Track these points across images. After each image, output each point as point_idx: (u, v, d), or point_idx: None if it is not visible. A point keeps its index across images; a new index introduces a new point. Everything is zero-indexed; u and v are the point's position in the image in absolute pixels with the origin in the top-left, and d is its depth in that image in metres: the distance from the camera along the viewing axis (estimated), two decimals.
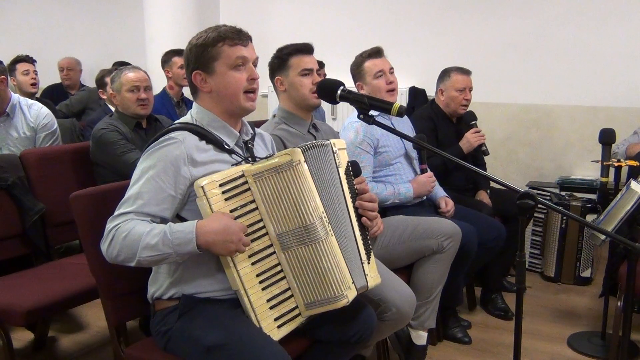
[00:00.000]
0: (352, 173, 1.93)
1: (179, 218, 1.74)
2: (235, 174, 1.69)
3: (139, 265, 1.65)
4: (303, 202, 1.68)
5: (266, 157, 1.77)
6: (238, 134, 1.85)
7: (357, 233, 1.89)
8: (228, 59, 1.75)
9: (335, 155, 1.85)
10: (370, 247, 1.95)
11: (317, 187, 1.74)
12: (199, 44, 1.77)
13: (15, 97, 3.26)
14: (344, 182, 1.87)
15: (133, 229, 1.63)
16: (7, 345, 2.32)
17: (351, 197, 1.89)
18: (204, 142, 1.75)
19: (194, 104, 1.86)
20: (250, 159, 1.82)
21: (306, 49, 2.39)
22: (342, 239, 1.79)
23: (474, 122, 3.36)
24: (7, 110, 3.20)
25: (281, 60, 2.39)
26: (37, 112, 3.31)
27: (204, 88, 1.80)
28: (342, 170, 1.88)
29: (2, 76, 3.15)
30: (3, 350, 2.33)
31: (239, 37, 1.77)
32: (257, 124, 2.09)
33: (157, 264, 1.74)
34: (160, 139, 1.73)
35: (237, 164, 1.78)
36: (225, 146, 1.79)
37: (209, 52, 1.76)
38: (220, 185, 1.65)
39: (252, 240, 1.68)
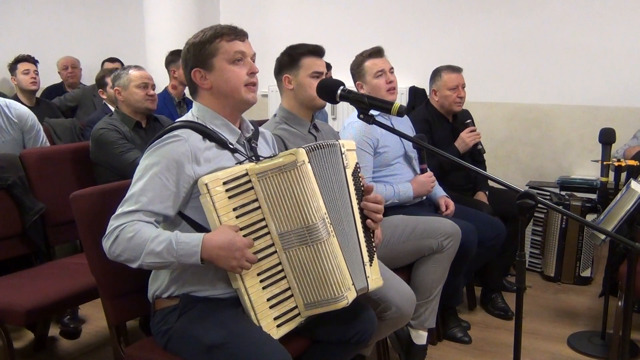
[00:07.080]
0: (360, 175, 1.92)
1: (181, 216, 1.74)
2: (239, 173, 1.69)
3: (139, 268, 1.66)
4: (306, 203, 1.68)
5: (270, 157, 1.77)
6: (239, 131, 1.85)
7: (361, 235, 1.88)
8: (226, 54, 1.76)
9: (343, 156, 1.85)
10: (375, 249, 1.94)
11: (321, 187, 1.74)
12: (196, 42, 1.79)
13: None
14: (351, 183, 1.87)
15: (139, 231, 1.63)
16: (7, 345, 2.32)
17: (357, 199, 1.89)
18: (207, 140, 1.75)
19: (194, 103, 1.85)
20: (254, 157, 1.82)
21: (318, 52, 2.37)
22: (344, 240, 1.79)
23: (468, 121, 3.34)
24: None
25: (292, 59, 2.36)
26: (18, 112, 3.23)
27: (204, 85, 1.80)
28: (349, 172, 1.87)
29: None
30: (3, 350, 2.33)
31: (235, 33, 1.79)
32: (257, 124, 2.09)
33: (158, 269, 1.75)
34: (164, 137, 1.73)
35: (241, 162, 1.78)
36: (229, 145, 1.79)
37: (207, 49, 1.77)
38: (224, 183, 1.65)
39: (254, 240, 1.68)
